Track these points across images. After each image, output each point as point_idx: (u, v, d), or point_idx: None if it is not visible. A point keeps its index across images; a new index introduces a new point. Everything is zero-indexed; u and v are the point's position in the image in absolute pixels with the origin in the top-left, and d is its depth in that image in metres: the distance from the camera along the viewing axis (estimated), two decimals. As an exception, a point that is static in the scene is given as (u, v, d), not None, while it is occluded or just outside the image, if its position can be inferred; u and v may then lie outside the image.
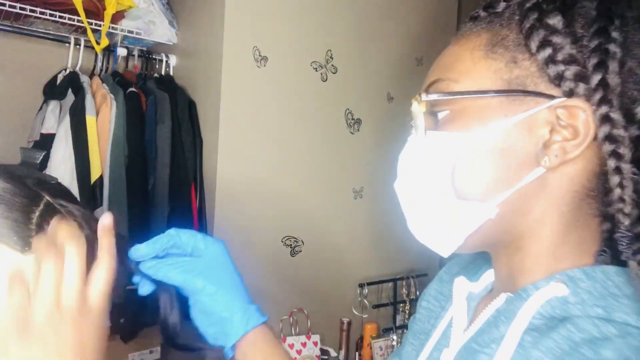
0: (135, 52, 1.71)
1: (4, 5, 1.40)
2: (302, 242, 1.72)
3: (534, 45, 0.46)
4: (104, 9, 1.55)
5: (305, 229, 1.72)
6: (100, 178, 1.46)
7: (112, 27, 1.60)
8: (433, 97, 0.49)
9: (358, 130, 1.83)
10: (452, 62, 0.51)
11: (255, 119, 1.59)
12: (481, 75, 0.48)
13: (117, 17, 1.61)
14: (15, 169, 0.55)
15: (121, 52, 1.67)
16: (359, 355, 1.82)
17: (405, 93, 1.96)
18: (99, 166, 1.46)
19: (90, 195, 1.44)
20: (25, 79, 1.65)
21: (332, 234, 1.80)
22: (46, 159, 1.41)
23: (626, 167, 0.44)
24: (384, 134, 1.86)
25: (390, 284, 1.91)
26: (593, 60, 0.45)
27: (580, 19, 0.47)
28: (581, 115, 0.45)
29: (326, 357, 1.70)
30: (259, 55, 1.58)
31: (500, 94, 0.47)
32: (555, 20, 0.46)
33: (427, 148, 0.50)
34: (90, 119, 1.46)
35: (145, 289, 0.63)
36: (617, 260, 0.46)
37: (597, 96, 0.44)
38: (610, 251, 0.47)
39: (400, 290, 1.92)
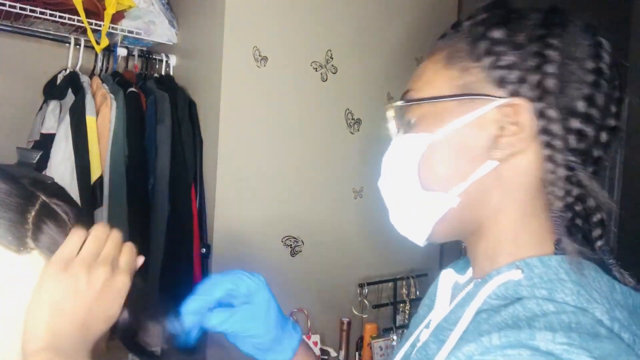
0: (135, 52, 1.71)
1: (4, 5, 1.40)
2: (302, 242, 1.72)
3: (479, 53, 0.54)
4: (104, 9, 1.55)
5: (305, 229, 1.72)
6: (100, 178, 1.46)
7: (112, 27, 1.60)
8: (398, 103, 0.59)
9: (358, 130, 1.84)
10: (419, 74, 0.59)
11: (255, 119, 1.59)
12: (440, 83, 0.56)
13: (117, 17, 1.61)
14: (12, 169, 0.55)
15: (121, 52, 1.67)
16: (359, 355, 1.82)
17: (405, 93, 1.96)
18: (99, 166, 1.46)
19: (90, 195, 1.44)
20: (25, 79, 1.65)
21: (332, 234, 1.80)
22: (44, 158, 1.41)
23: (558, 157, 0.51)
24: (384, 134, 1.86)
25: (390, 284, 1.91)
26: (531, 64, 0.52)
27: (525, 29, 0.54)
28: (524, 113, 0.52)
29: (326, 357, 1.70)
30: (259, 55, 1.58)
31: (453, 98, 0.55)
32: (498, 33, 0.54)
33: (398, 149, 0.59)
34: (90, 119, 1.46)
35: (194, 335, 0.66)
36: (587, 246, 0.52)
37: (535, 95, 0.51)
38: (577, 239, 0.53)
39: (400, 290, 1.92)
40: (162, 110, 1.57)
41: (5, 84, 1.64)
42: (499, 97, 0.53)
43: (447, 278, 0.64)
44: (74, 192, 1.40)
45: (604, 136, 0.54)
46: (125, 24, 1.64)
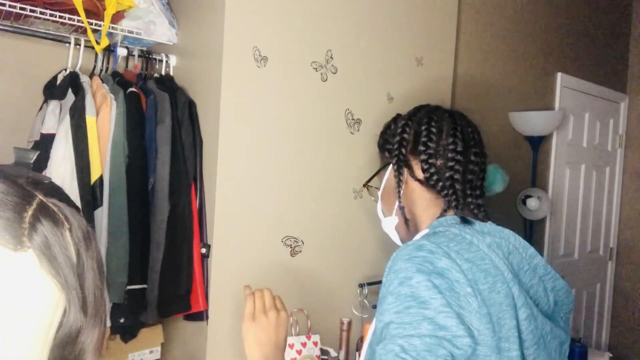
0: (135, 52, 1.71)
1: (4, 5, 1.40)
2: (302, 242, 1.72)
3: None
4: (104, 9, 1.54)
5: (305, 229, 1.72)
6: (100, 178, 1.46)
7: (112, 27, 1.60)
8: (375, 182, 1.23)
9: (358, 130, 1.84)
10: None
11: (255, 119, 1.59)
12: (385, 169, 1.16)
13: (117, 17, 1.61)
14: (9, 169, 0.55)
15: (121, 52, 1.67)
16: (359, 355, 1.82)
17: (405, 93, 1.96)
18: (99, 166, 1.46)
19: (90, 195, 1.43)
20: (25, 79, 1.65)
21: (332, 234, 1.80)
22: (46, 158, 1.41)
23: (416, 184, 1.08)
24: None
25: (390, 284, 1.90)
26: (419, 146, 1.05)
27: (415, 125, 1.09)
28: (403, 167, 1.08)
29: (326, 357, 1.70)
30: (259, 55, 1.58)
31: (384, 169, 1.15)
32: (403, 133, 1.11)
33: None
34: (90, 119, 1.46)
35: None
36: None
37: (400, 159, 1.09)
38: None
39: (400, 290, 1.91)
40: (162, 110, 1.57)
41: (5, 84, 1.64)
42: (390, 162, 1.12)
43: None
44: (74, 192, 1.40)
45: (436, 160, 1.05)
46: (125, 24, 1.64)
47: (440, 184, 1.01)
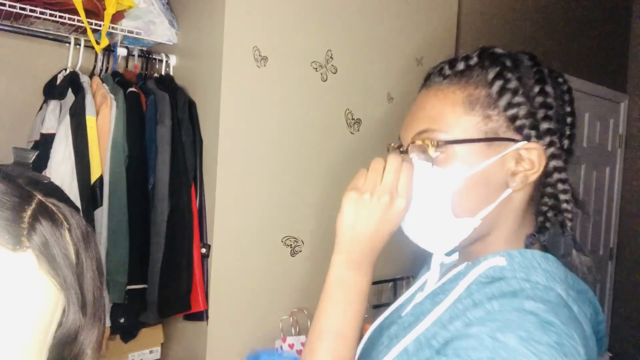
0: (135, 52, 1.71)
1: (4, 5, 1.40)
2: (302, 242, 1.72)
3: (502, 105, 0.67)
4: (104, 9, 1.54)
5: (305, 229, 1.72)
6: (100, 178, 1.46)
7: (112, 27, 1.60)
8: (442, 143, 0.68)
9: (358, 130, 1.83)
10: (436, 115, 0.69)
11: (255, 119, 1.59)
12: (464, 127, 0.67)
13: (117, 17, 1.61)
14: (8, 169, 0.55)
15: (121, 52, 1.67)
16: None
17: (405, 93, 1.96)
18: (99, 166, 1.46)
19: (90, 195, 1.43)
20: (25, 79, 1.65)
21: (332, 234, 1.79)
22: (46, 158, 1.41)
23: (567, 188, 0.68)
24: (384, 134, 1.86)
25: (390, 284, 1.91)
26: (541, 114, 0.67)
27: (526, 79, 0.68)
28: (535, 153, 0.67)
29: (326, 357, 1.70)
30: (259, 55, 1.58)
31: (482, 142, 0.67)
32: (515, 85, 0.67)
33: (429, 180, 0.69)
34: (90, 119, 1.46)
35: None
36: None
37: (547, 139, 0.67)
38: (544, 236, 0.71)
39: (400, 290, 1.92)
40: (162, 110, 1.57)
41: (5, 84, 1.64)
42: (518, 140, 0.67)
43: (437, 258, 0.78)
44: (74, 192, 1.40)
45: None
46: (125, 24, 1.64)
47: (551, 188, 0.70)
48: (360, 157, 1.83)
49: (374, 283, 1.86)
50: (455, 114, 0.68)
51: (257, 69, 1.57)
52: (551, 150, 0.67)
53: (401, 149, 0.75)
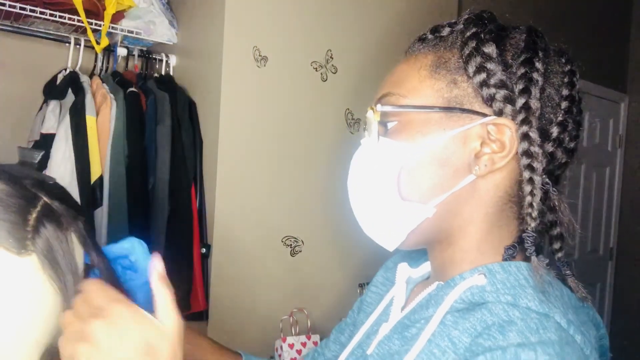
0: (135, 52, 1.71)
1: (4, 5, 1.40)
2: (302, 242, 1.72)
3: (471, 69, 0.54)
4: (104, 9, 1.54)
5: (305, 229, 1.72)
6: (100, 178, 1.46)
7: (112, 27, 1.60)
8: (387, 108, 0.58)
9: (358, 130, 1.83)
10: (401, 79, 0.59)
11: (255, 119, 1.59)
12: (426, 92, 0.56)
13: (117, 17, 1.61)
14: (14, 169, 0.54)
15: (121, 52, 1.67)
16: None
17: (405, 93, 1.96)
18: (99, 166, 1.46)
19: (90, 195, 1.43)
20: (25, 79, 1.65)
21: (332, 234, 1.80)
22: (46, 158, 1.41)
23: (537, 179, 0.52)
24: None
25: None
26: (519, 86, 0.53)
27: (511, 48, 0.56)
28: (507, 132, 0.54)
29: (326, 357, 1.70)
30: (259, 55, 1.58)
31: (441, 110, 0.55)
32: (490, 49, 0.54)
33: (377, 153, 0.58)
34: (90, 119, 1.46)
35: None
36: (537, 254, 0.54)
37: (521, 117, 0.53)
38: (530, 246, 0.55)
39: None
40: (162, 110, 1.57)
41: (5, 84, 1.64)
42: (487, 115, 0.54)
43: (403, 272, 0.67)
44: (74, 192, 1.40)
45: (564, 158, 0.57)
46: (125, 24, 1.64)
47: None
48: (360, 157, 1.83)
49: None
50: (419, 77, 0.57)
51: (257, 69, 1.57)
52: (524, 129, 0.53)
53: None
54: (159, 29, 1.70)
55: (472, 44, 0.55)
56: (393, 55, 2.06)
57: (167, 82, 1.67)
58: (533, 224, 0.53)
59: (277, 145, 1.64)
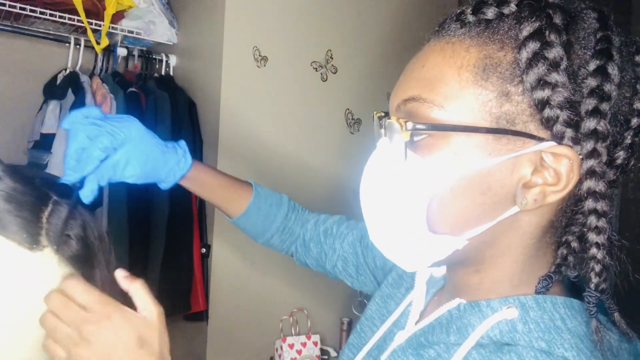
0: (135, 52, 1.71)
1: (4, 5, 1.40)
2: (302, 242, 1.72)
3: (530, 81, 0.42)
4: (104, 9, 1.55)
5: (305, 229, 1.72)
6: (100, 178, 1.45)
7: (112, 27, 1.60)
8: (420, 127, 0.45)
9: (358, 130, 1.84)
10: (435, 78, 0.46)
11: (255, 119, 1.59)
12: (468, 105, 0.44)
13: (117, 17, 1.61)
14: (24, 170, 0.56)
15: (121, 52, 1.67)
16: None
17: (405, 93, 1.96)
18: (99, 166, 1.45)
19: (90, 195, 1.43)
20: (25, 79, 1.65)
21: (332, 234, 1.80)
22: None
23: (606, 227, 0.43)
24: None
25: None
26: (588, 106, 0.42)
27: (579, 49, 0.43)
28: (566, 162, 0.43)
29: (326, 357, 1.70)
30: (259, 55, 1.58)
31: (488, 132, 0.43)
32: (557, 54, 0.42)
33: (402, 173, 0.46)
34: (90, 119, 1.46)
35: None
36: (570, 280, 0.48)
37: (587, 146, 0.42)
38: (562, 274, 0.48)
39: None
40: (162, 110, 1.57)
41: (6, 84, 1.64)
42: (544, 140, 0.43)
43: (423, 276, 0.58)
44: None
45: (619, 179, 0.47)
46: (125, 24, 1.64)
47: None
48: (360, 157, 1.83)
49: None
50: (460, 81, 0.44)
51: (257, 69, 1.57)
52: (591, 163, 0.42)
53: (381, 121, 0.53)
54: (159, 29, 1.70)
55: (534, 45, 0.42)
56: (393, 55, 2.07)
57: (167, 82, 1.67)
58: (596, 281, 0.43)
59: (277, 145, 1.64)
